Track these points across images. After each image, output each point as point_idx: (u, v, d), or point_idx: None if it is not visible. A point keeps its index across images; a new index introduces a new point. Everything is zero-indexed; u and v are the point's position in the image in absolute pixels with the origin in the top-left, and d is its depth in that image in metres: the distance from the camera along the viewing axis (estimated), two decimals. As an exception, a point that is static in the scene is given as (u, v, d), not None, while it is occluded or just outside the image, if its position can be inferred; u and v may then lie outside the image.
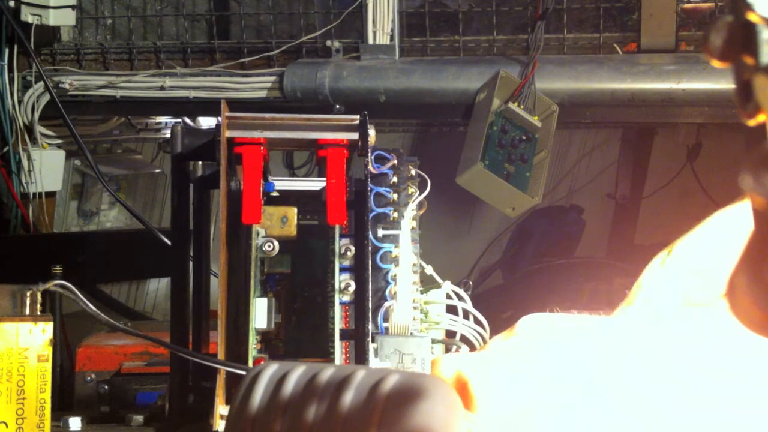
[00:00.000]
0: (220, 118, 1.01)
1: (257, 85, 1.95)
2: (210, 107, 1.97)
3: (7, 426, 0.96)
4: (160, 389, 1.19)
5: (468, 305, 1.13)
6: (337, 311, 1.03)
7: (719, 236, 0.79)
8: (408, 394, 0.58)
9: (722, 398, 0.67)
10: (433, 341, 1.08)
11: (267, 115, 1.02)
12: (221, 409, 0.95)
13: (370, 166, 1.03)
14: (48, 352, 0.98)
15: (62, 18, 1.99)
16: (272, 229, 1.03)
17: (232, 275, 1.02)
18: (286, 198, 1.06)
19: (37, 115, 2.02)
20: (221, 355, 0.97)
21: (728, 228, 0.79)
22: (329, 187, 0.98)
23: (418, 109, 1.91)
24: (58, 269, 1.48)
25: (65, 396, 1.36)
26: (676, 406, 0.68)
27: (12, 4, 1.97)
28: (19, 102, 2.02)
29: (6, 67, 2.01)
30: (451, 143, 2.35)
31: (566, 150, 2.71)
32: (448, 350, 1.12)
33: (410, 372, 0.83)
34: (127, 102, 2.03)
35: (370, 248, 1.03)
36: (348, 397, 0.59)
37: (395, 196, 1.10)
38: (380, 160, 1.09)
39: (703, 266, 0.79)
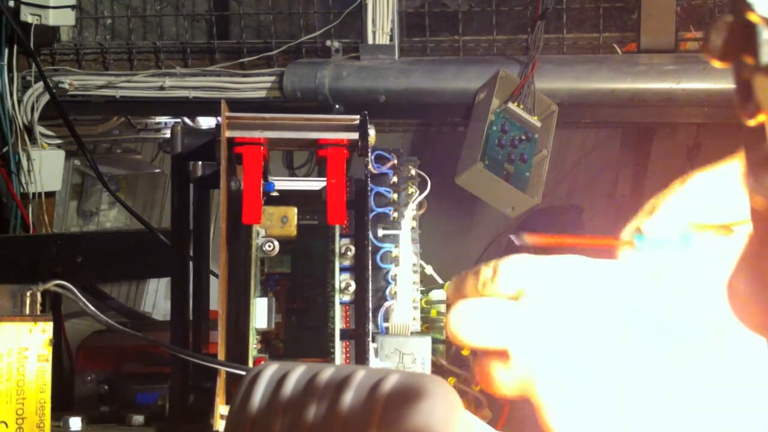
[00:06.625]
0: (220, 118, 1.01)
1: (257, 85, 1.95)
2: (210, 107, 1.97)
3: (7, 426, 0.96)
4: (160, 389, 1.19)
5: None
6: (338, 311, 1.04)
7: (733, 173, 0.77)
8: (408, 394, 0.58)
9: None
10: (434, 341, 1.08)
11: (267, 115, 1.02)
12: (222, 409, 0.95)
13: (370, 166, 1.03)
14: (48, 352, 0.98)
15: (62, 18, 1.99)
16: (272, 228, 1.03)
17: (232, 275, 1.02)
18: (286, 198, 1.06)
19: (36, 115, 2.02)
20: (221, 356, 0.97)
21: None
22: (329, 187, 0.98)
23: (418, 109, 1.91)
24: (58, 269, 1.48)
25: (65, 396, 1.36)
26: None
27: (12, 4, 1.97)
28: (19, 102, 2.02)
29: (6, 67, 2.01)
30: (451, 143, 2.35)
31: (566, 150, 2.71)
32: (448, 351, 1.12)
33: (410, 372, 0.83)
34: (126, 102, 2.03)
35: (370, 248, 1.03)
36: (348, 397, 0.59)
37: (395, 196, 1.10)
38: (380, 160, 1.09)
39: (716, 194, 0.76)
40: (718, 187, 0.75)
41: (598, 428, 0.64)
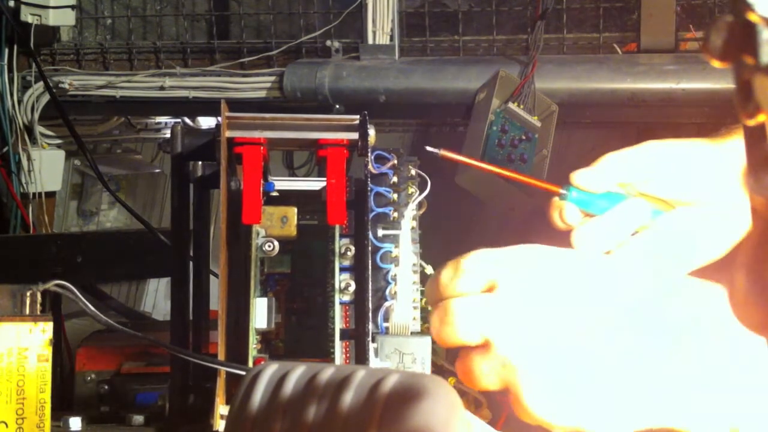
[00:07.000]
0: (220, 118, 1.01)
1: (257, 85, 1.95)
2: (210, 107, 1.97)
3: (7, 426, 0.96)
4: (160, 389, 1.19)
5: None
6: (338, 311, 1.03)
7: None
8: (408, 394, 0.58)
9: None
10: (434, 341, 1.08)
11: (267, 115, 1.02)
12: (222, 409, 0.95)
13: (370, 166, 1.03)
14: (48, 352, 0.98)
15: (62, 18, 1.99)
16: (272, 229, 1.03)
17: (232, 275, 1.02)
18: (286, 198, 1.06)
19: (36, 115, 2.02)
20: (221, 356, 0.97)
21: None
22: (329, 187, 0.98)
23: (418, 109, 1.91)
24: (58, 269, 1.48)
25: (65, 396, 1.36)
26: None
27: (12, 4, 1.97)
28: (19, 102, 2.02)
29: (6, 67, 2.01)
30: (451, 143, 2.34)
31: (566, 150, 2.71)
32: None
33: (410, 372, 0.83)
34: (127, 102, 2.03)
35: (370, 248, 1.03)
36: (348, 397, 0.59)
37: (395, 196, 1.10)
38: (380, 159, 1.09)
39: (659, 166, 0.76)
40: (664, 160, 0.76)
41: (577, 411, 0.64)
